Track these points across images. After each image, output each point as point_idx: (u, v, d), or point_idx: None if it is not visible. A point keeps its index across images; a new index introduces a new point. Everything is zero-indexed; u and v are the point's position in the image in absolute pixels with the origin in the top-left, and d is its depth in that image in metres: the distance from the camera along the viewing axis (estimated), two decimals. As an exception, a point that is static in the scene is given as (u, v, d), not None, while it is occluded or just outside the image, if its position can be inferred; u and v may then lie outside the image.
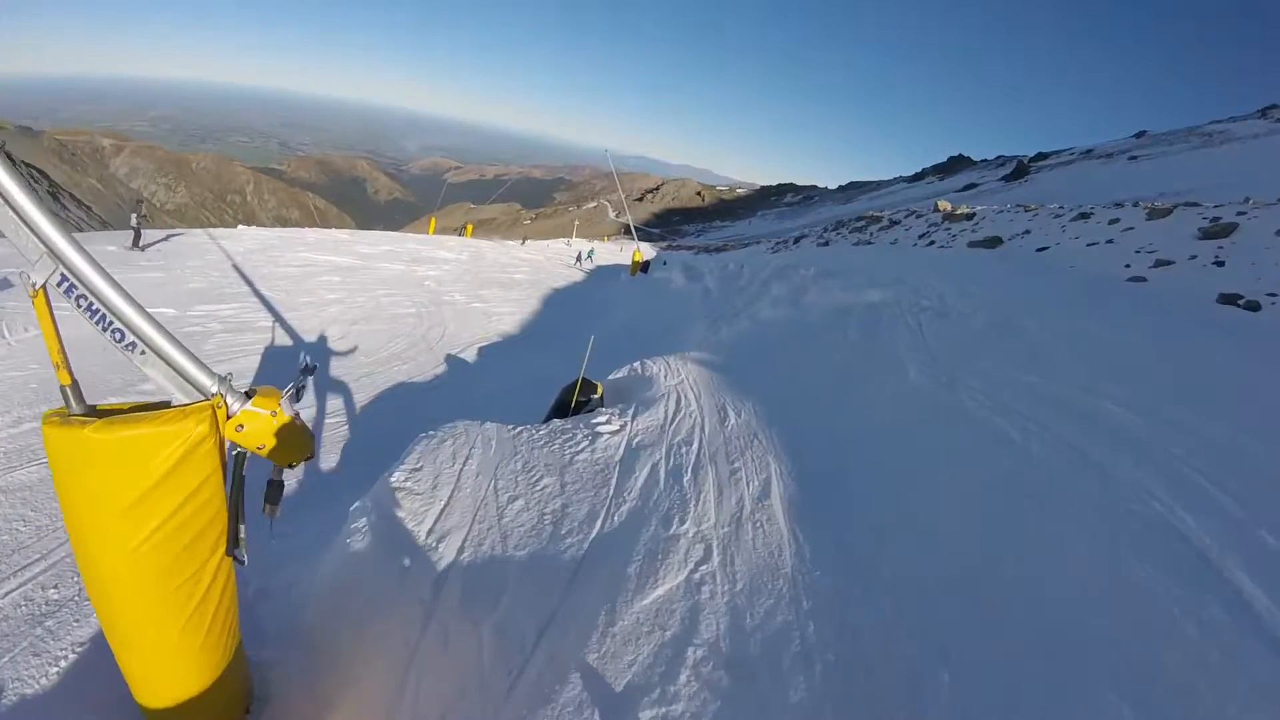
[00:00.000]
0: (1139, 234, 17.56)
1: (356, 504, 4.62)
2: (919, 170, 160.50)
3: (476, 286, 21.61)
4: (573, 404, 6.84)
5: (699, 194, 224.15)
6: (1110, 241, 17.26)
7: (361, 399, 9.57)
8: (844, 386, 8.06)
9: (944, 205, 35.03)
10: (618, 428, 5.65)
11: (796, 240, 44.89)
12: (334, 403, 9.21)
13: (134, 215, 19.79)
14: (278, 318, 13.16)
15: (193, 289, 14.13)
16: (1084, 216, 22.08)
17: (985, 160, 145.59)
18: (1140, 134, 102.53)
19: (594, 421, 5.74)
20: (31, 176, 75.76)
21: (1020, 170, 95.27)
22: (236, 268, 17.39)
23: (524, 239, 58.62)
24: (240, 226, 30.32)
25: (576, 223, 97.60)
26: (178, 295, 13.29)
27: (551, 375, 12.35)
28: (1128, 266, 14.27)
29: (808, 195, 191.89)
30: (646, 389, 6.91)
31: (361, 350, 12.08)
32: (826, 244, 35.94)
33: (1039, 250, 18.72)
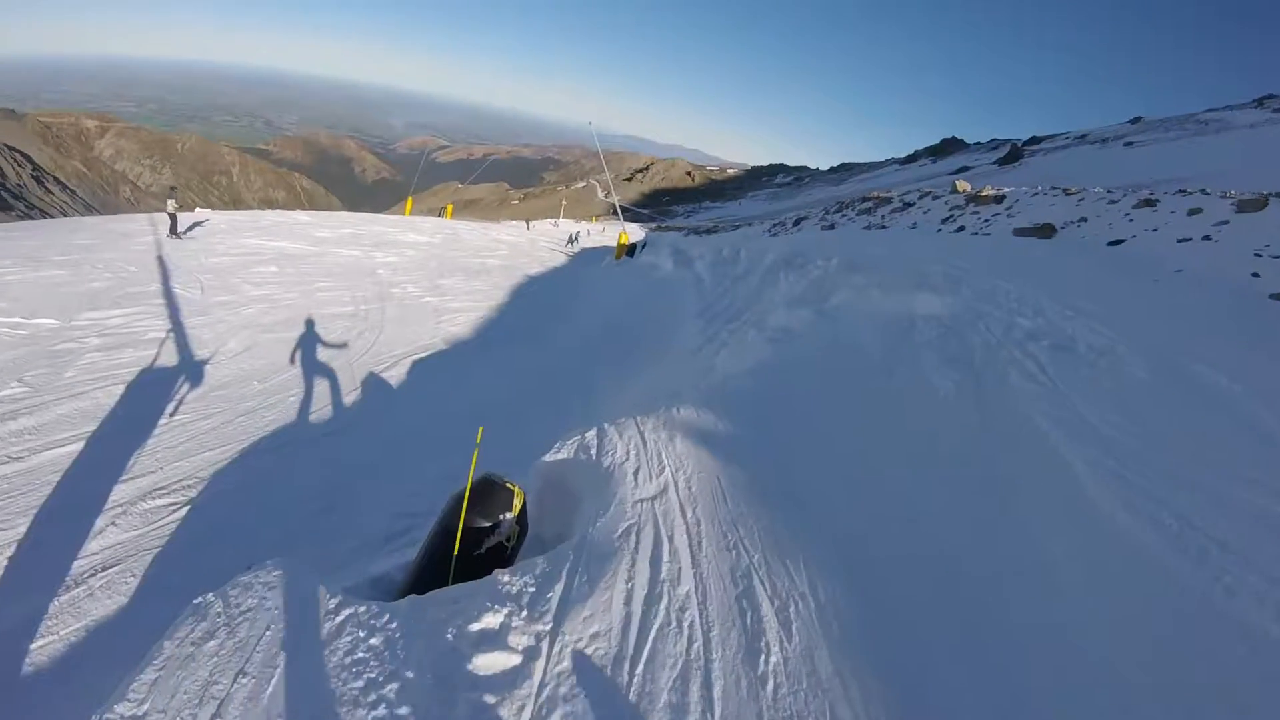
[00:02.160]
0: (1240, 230, 14.68)
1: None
2: (911, 152, 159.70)
3: (437, 275, 18.98)
4: (459, 536, 3.72)
5: (689, 174, 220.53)
6: (1207, 238, 14.33)
7: (217, 456, 7.04)
8: (973, 517, 4.65)
9: (963, 186, 32.31)
10: (519, 656, 2.82)
11: (796, 222, 41.63)
12: (180, 465, 6.72)
13: (170, 202, 19.44)
14: (176, 326, 10.74)
15: (92, 289, 11.70)
16: (1149, 204, 19.16)
17: (978, 143, 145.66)
18: (1136, 120, 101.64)
19: (474, 629, 2.91)
20: (15, 160, 74.11)
21: (1014, 154, 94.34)
22: (161, 259, 15.02)
23: (528, 221, 56.84)
24: (198, 210, 28.16)
25: (564, 202, 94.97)
26: (71, 299, 10.93)
27: (489, 406, 9.69)
28: (1256, 276, 11.21)
29: (799, 176, 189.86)
30: (602, 503, 4.09)
31: (256, 372, 9.53)
32: (832, 227, 32.78)
33: (1112, 244, 15.81)
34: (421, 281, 17.81)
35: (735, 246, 21.43)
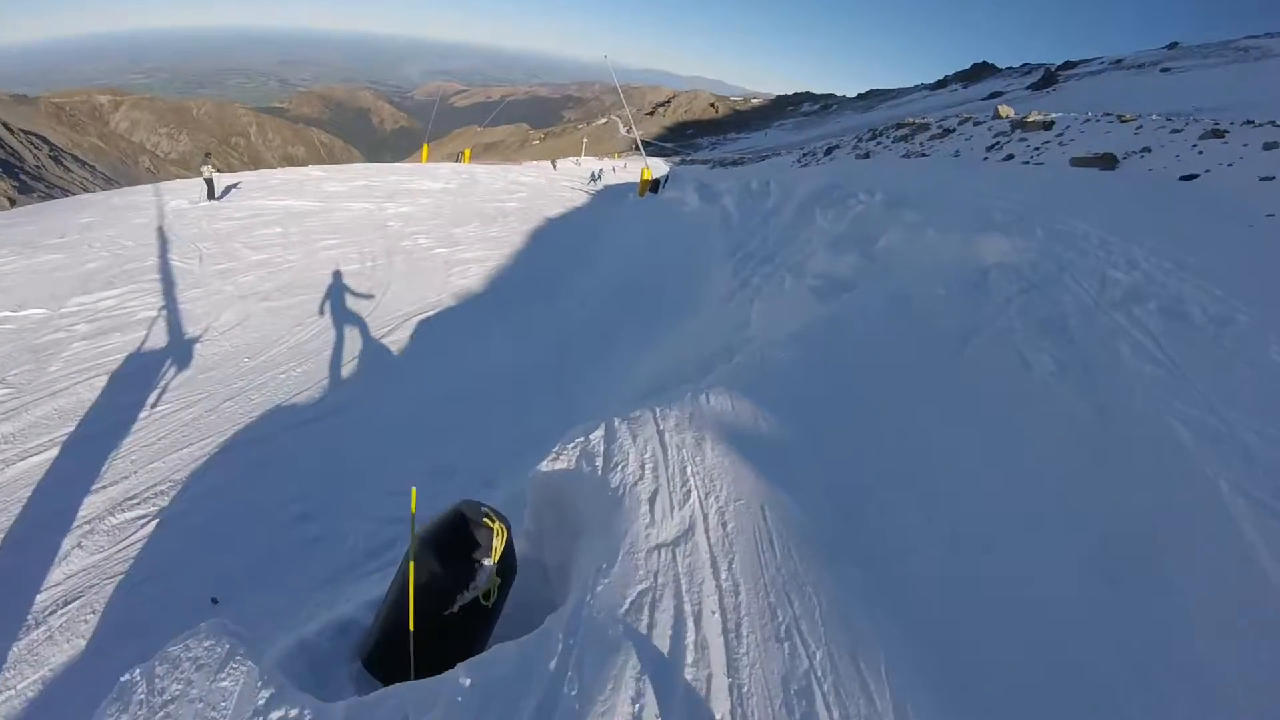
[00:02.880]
0: (1330, 167, 12.73)
1: None
2: (941, 78, 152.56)
3: (451, 224, 18.07)
4: (411, 608, 2.76)
5: (712, 105, 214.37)
6: (1296, 177, 12.73)
7: (196, 453, 6.29)
8: (1116, 589, 3.39)
9: (1006, 111, 30.03)
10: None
11: (828, 151, 39.10)
12: (156, 467, 6.01)
13: (205, 167, 18.67)
14: (169, 303, 10.06)
15: (86, 271, 11.04)
16: (1218, 135, 17.01)
17: (1010, 68, 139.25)
18: (1172, 45, 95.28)
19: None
20: (31, 143, 74.58)
21: (1048, 79, 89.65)
22: (161, 230, 14.30)
23: (554, 161, 55.81)
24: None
25: (585, 140, 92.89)
26: (63, 284, 10.35)
27: (495, 379, 8.83)
28: (1362, 222, 9.70)
29: (826, 104, 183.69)
30: (606, 549, 3.02)
31: (247, 347, 8.82)
32: (867, 155, 30.53)
33: (1185, 179, 14.16)
34: (434, 232, 16.90)
35: (764, 179, 20.05)
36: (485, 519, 2.86)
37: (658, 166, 42.24)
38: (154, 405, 7.12)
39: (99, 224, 14.70)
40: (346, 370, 8.48)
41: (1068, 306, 5.89)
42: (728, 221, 17.02)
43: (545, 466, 3.61)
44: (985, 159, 21.24)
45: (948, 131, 29.94)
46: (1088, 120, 23.26)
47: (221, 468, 6.08)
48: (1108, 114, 23.83)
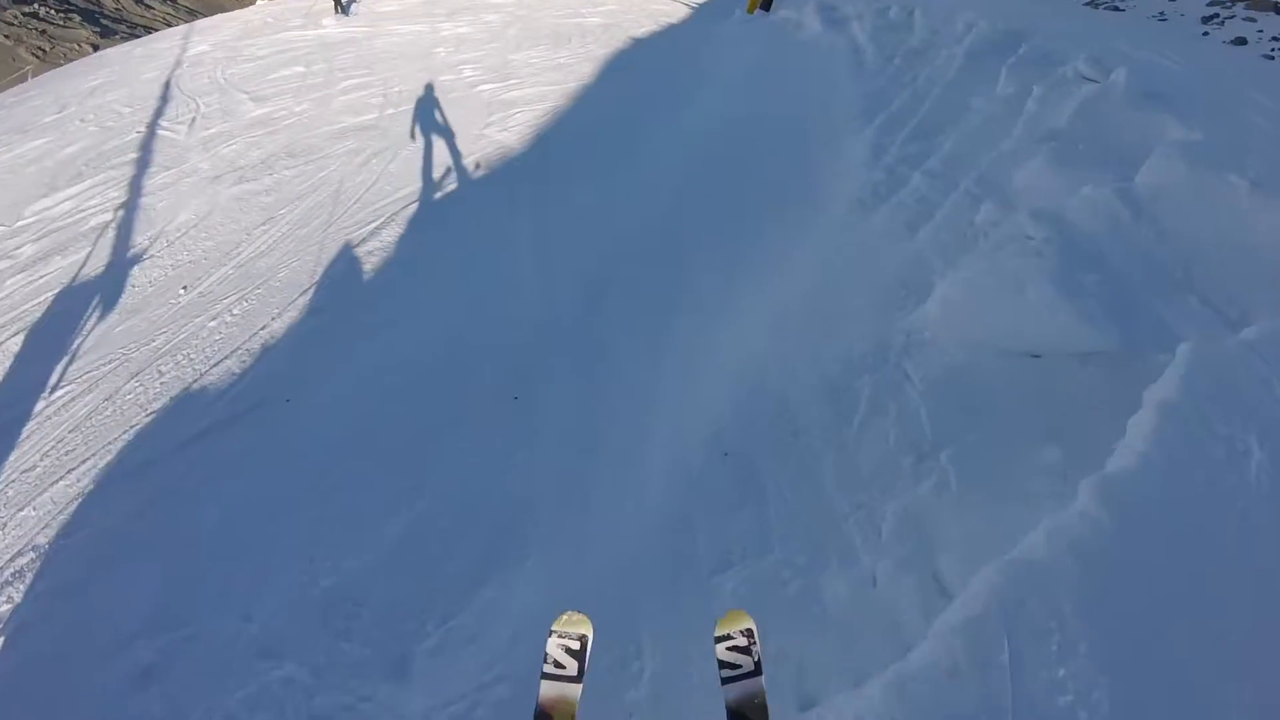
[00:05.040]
0: None
1: None
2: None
3: (513, 48, 14.68)
4: None
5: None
6: None
7: (68, 490, 4.29)
8: None
9: None
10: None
11: None
12: (24, 519, 4.13)
13: None
14: (130, 198, 7.87)
15: (64, 159, 8.94)
16: None
17: None
18: None
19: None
20: None
21: None
22: (168, 85, 11.96)
23: None
24: (260, 2, 25.15)
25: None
26: (32, 182, 8.33)
27: (508, 331, 6.02)
28: None
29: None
30: None
31: (192, 267, 6.61)
32: None
33: None
34: (487, 59, 13.73)
35: (905, 5, 15.38)
36: None
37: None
38: (54, 389, 5.19)
39: (105, 87, 12.38)
40: (290, 317, 6.06)
41: None
42: (859, 60, 12.80)
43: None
44: (1205, 34, 16.01)
45: (1137, -23, 23.29)
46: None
47: (81, 534, 4.05)
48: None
